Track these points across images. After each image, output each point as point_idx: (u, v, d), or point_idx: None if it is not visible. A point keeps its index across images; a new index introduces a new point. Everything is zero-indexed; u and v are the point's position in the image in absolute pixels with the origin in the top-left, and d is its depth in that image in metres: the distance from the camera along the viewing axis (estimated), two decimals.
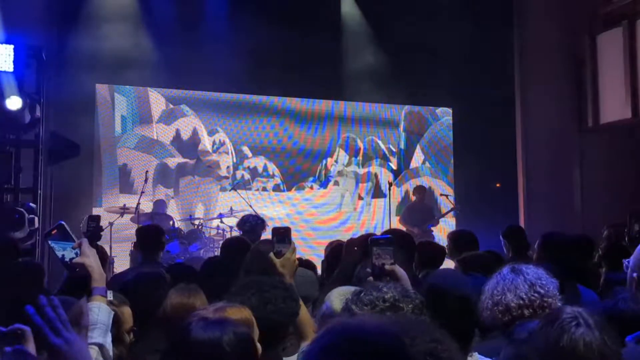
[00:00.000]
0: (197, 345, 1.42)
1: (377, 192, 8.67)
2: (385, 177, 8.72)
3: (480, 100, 8.22)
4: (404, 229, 6.93)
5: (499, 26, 8.32)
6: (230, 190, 7.61)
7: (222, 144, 8.19)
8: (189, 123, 8.10)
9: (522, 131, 8.19)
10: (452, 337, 1.21)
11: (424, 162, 9.02)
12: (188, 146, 8.05)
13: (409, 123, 9.03)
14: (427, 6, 8.09)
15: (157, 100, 7.98)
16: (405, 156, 9.00)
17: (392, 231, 4.24)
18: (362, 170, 8.79)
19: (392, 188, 7.45)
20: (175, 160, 8.01)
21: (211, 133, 8.17)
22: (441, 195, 8.35)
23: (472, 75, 8.20)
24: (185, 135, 8.10)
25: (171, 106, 8.00)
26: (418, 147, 9.04)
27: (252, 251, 3.01)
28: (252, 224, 4.84)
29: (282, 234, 2.27)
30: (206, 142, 8.15)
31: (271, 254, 2.20)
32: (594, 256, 4.25)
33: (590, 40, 7.77)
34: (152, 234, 4.04)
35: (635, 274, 1.83)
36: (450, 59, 8.19)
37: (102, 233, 3.82)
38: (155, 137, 7.94)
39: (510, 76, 8.27)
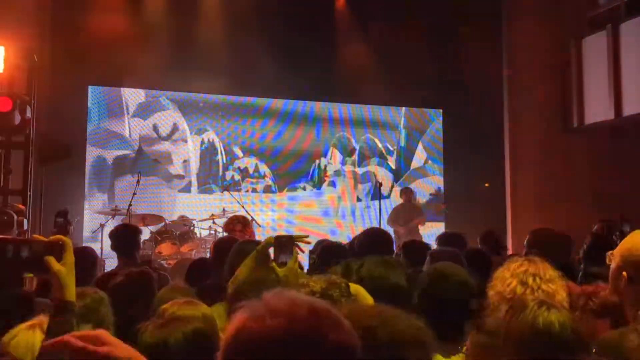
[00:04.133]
0: (144, 351, 1.45)
1: (377, 193, 8.28)
2: (386, 177, 8.65)
3: (469, 102, 8.34)
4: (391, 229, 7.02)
5: (488, 28, 8.45)
6: (222, 192, 7.61)
7: (212, 143, 8.07)
8: (168, 117, 7.89)
9: (509, 131, 8.32)
10: (447, 324, 1.27)
11: (426, 161, 8.93)
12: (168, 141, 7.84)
13: (410, 120, 8.98)
14: (418, 6, 8.20)
15: (134, 93, 7.82)
16: (405, 155, 8.90)
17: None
18: (361, 170, 8.68)
19: (381, 188, 7.44)
20: (113, 154, 7.49)
21: (200, 132, 8.07)
22: (430, 194, 8.45)
23: (461, 77, 8.32)
24: (164, 130, 7.87)
25: (150, 98, 7.83)
26: (420, 145, 8.95)
27: (235, 249, 3.04)
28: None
29: (285, 244, 2.22)
30: (187, 137, 7.93)
31: (274, 264, 2.21)
32: (579, 252, 4.38)
33: (576, 43, 7.94)
34: (126, 234, 3.88)
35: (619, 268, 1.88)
36: (440, 61, 8.30)
37: (71, 227, 3.79)
38: (128, 133, 7.70)
39: (499, 77, 8.41)
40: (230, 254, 3.01)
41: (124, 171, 7.67)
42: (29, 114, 6.32)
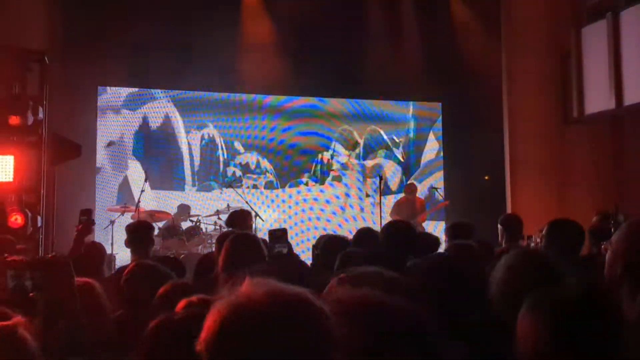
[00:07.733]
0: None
1: (383, 188, 7.80)
2: (395, 170, 8.68)
3: (468, 94, 8.39)
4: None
5: (486, 19, 8.48)
6: (225, 188, 7.77)
7: (212, 139, 8.06)
8: (159, 108, 7.94)
9: (509, 123, 8.36)
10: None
11: (438, 153, 8.86)
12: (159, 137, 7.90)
13: (419, 112, 8.95)
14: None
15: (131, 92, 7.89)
16: (415, 147, 8.85)
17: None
18: (369, 164, 8.63)
19: (382, 182, 7.48)
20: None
21: (200, 127, 8.15)
22: (431, 188, 8.52)
23: (460, 69, 8.36)
24: (155, 122, 7.90)
25: (145, 93, 7.88)
26: (431, 135, 8.93)
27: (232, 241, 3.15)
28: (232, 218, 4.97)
29: (279, 236, 2.41)
30: (181, 130, 8.00)
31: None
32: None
33: (575, 32, 7.92)
34: (141, 230, 3.92)
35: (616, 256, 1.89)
36: (438, 53, 8.35)
37: (94, 227, 3.95)
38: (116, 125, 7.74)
39: (498, 69, 8.44)
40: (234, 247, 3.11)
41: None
42: (41, 115, 6.57)
